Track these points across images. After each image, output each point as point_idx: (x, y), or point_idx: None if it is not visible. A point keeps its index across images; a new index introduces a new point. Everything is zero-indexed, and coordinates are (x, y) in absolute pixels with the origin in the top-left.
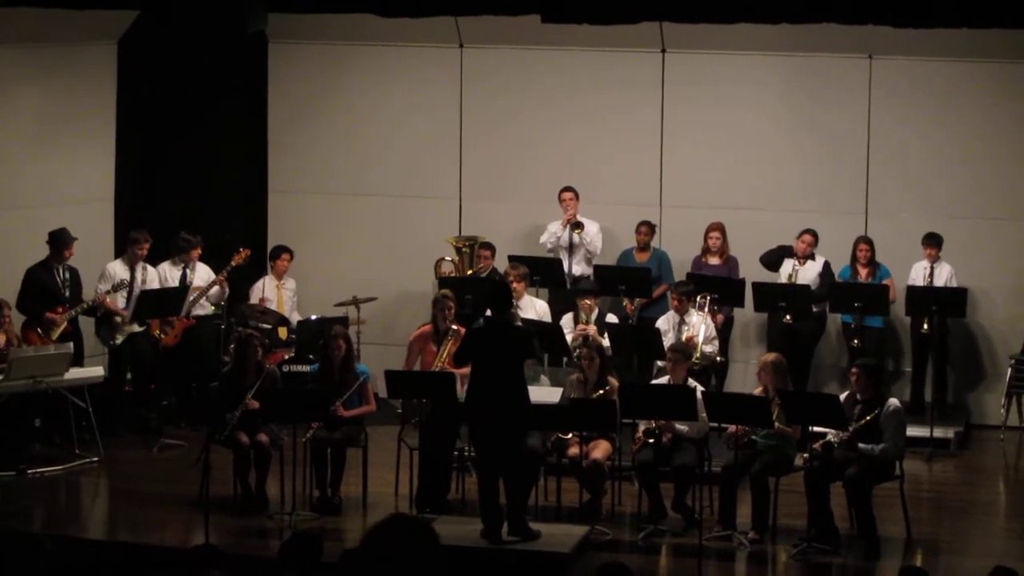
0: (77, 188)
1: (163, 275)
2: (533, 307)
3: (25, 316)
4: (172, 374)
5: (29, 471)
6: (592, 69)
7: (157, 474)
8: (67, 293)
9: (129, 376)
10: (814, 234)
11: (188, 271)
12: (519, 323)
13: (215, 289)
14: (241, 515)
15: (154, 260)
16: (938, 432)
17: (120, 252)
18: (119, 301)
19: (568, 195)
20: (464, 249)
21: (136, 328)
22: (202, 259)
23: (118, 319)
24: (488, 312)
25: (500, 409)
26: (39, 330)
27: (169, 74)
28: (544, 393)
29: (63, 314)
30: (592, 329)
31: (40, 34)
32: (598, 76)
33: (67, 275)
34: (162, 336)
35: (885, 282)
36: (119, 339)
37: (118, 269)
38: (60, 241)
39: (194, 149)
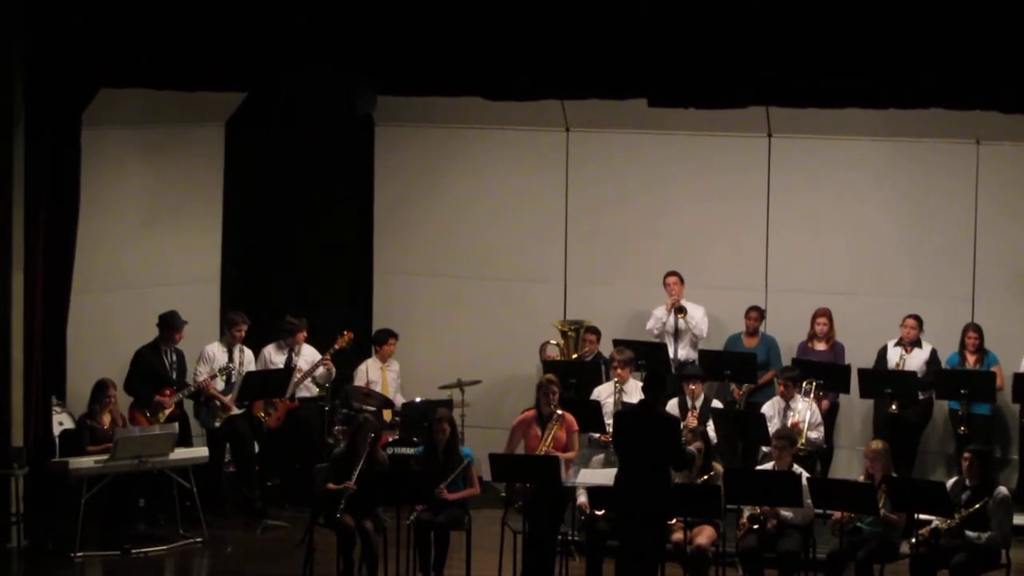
0: (184, 269)
1: (268, 358)
2: (638, 392)
3: (132, 397)
4: (276, 455)
5: (133, 551)
6: (698, 153)
7: (261, 555)
8: (174, 375)
9: (228, 458)
10: (918, 319)
11: (293, 355)
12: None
13: (321, 370)
14: None
15: (260, 342)
16: None
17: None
18: (218, 384)
19: (672, 279)
20: (569, 333)
21: (236, 410)
22: (307, 341)
23: (217, 403)
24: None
25: (643, 497)
26: (147, 412)
27: (276, 156)
28: (596, 475)
29: (171, 397)
30: (691, 416)
31: (149, 115)
32: (704, 161)
33: (174, 357)
34: (265, 418)
35: (993, 369)
36: (218, 422)
37: (216, 351)
38: (171, 324)
39: (300, 231)
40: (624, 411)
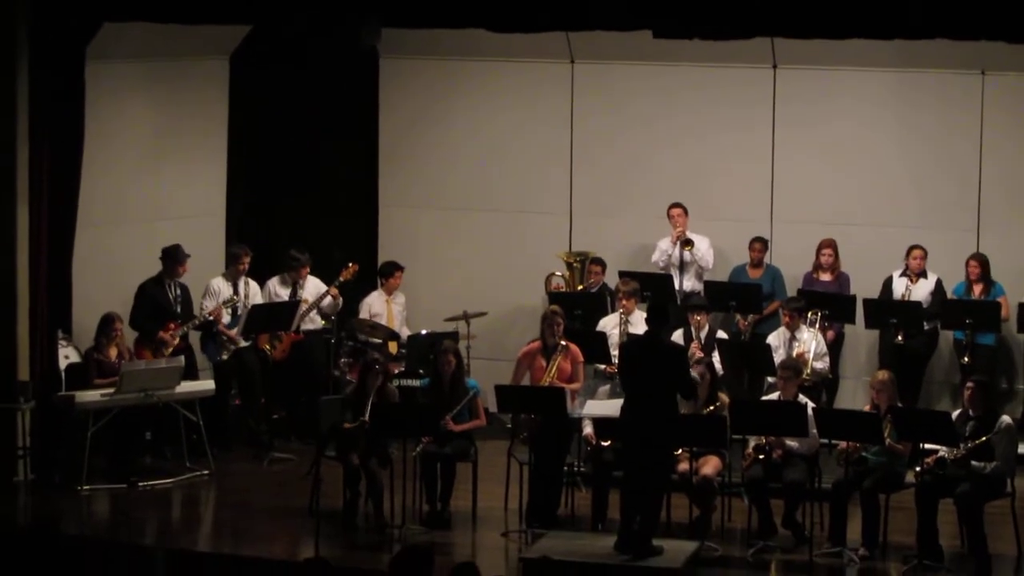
0: (188, 203)
1: (272, 292)
2: (644, 323)
3: (137, 332)
4: (282, 388)
5: (140, 484)
6: (703, 85)
7: (267, 487)
8: (178, 309)
9: (235, 391)
10: (924, 250)
11: (298, 288)
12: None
13: (328, 300)
14: (351, 529)
15: (263, 276)
16: None
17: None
18: (224, 317)
19: (677, 211)
20: (575, 264)
21: (243, 343)
22: (312, 273)
23: (223, 336)
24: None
25: (648, 427)
26: (152, 346)
27: (281, 89)
28: (602, 406)
29: (175, 331)
30: (695, 346)
31: (153, 49)
32: (709, 92)
33: (178, 291)
34: (271, 350)
35: (998, 299)
36: (225, 355)
37: (222, 285)
38: (174, 258)
39: (305, 164)
40: (630, 342)
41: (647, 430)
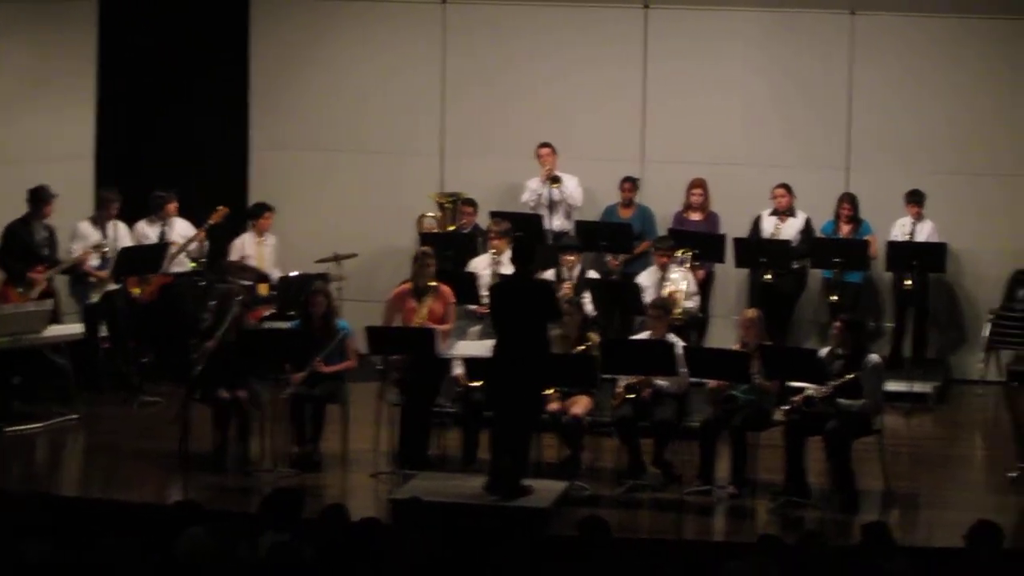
0: (57, 145)
1: (141, 233)
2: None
3: (4, 272)
4: (151, 331)
5: (8, 428)
6: (574, 25)
7: (136, 431)
8: (46, 252)
9: (105, 334)
10: (788, 188)
11: (166, 228)
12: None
13: (195, 244)
14: (221, 472)
15: (134, 218)
16: (917, 387)
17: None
18: (93, 260)
19: (545, 151)
20: (447, 205)
21: (112, 286)
22: (181, 216)
23: (93, 279)
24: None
25: (520, 366)
26: (19, 288)
27: (151, 30)
28: (473, 347)
29: (44, 273)
30: (566, 286)
31: None
32: (580, 32)
33: (46, 233)
34: (139, 293)
35: (867, 238)
36: (94, 297)
37: (90, 228)
38: (40, 198)
39: (175, 106)
40: (499, 283)
41: (517, 370)
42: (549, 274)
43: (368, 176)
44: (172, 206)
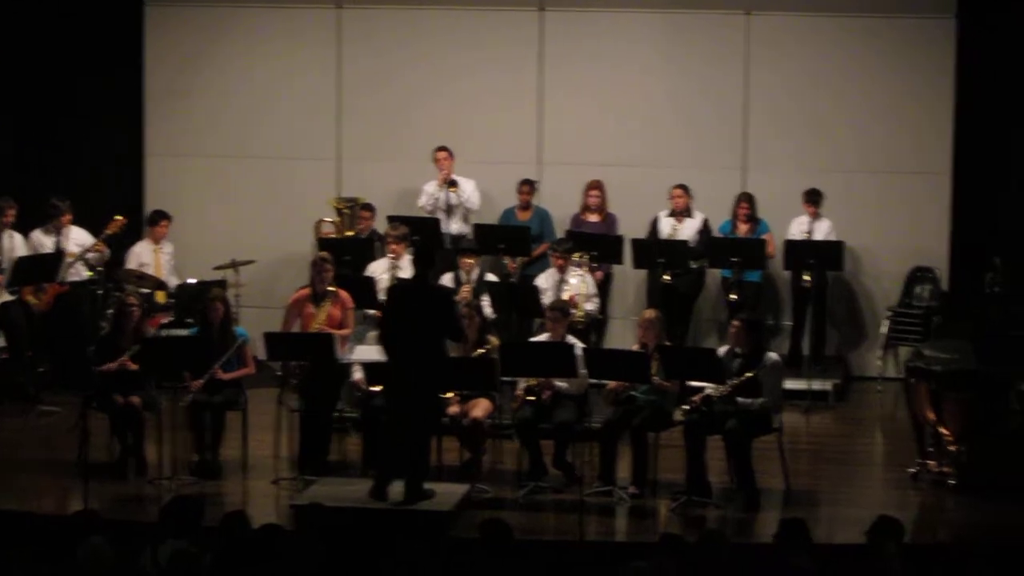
0: None
1: (36, 243)
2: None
3: None
4: (48, 340)
5: None
6: (471, 28)
7: (34, 441)
8: None
9: (2, 344)
10: (685, 188)
11: (61, 238)
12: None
13: (93, 253)
14: (120, 480)
15: (29, 228)
16: (816, 385)
17: None
18: None
19: (442, 154)
20: (344, 210)
21: (7, 296)
22: (78, 225)
23: None
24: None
25: (418, 370)
26: None
27: (44, 38)
28: (372, 352)
29: None
30: (464, 289)
31: None
32: (477, 35)
33: None
34: (35, 303)
35: (764, 237)
36: None
37: None
38: None
39: (69, 114)
40: (396, 285)
41: (414, 374)
42: (447, 278)
43: (265, 182)
44: (66, 217)
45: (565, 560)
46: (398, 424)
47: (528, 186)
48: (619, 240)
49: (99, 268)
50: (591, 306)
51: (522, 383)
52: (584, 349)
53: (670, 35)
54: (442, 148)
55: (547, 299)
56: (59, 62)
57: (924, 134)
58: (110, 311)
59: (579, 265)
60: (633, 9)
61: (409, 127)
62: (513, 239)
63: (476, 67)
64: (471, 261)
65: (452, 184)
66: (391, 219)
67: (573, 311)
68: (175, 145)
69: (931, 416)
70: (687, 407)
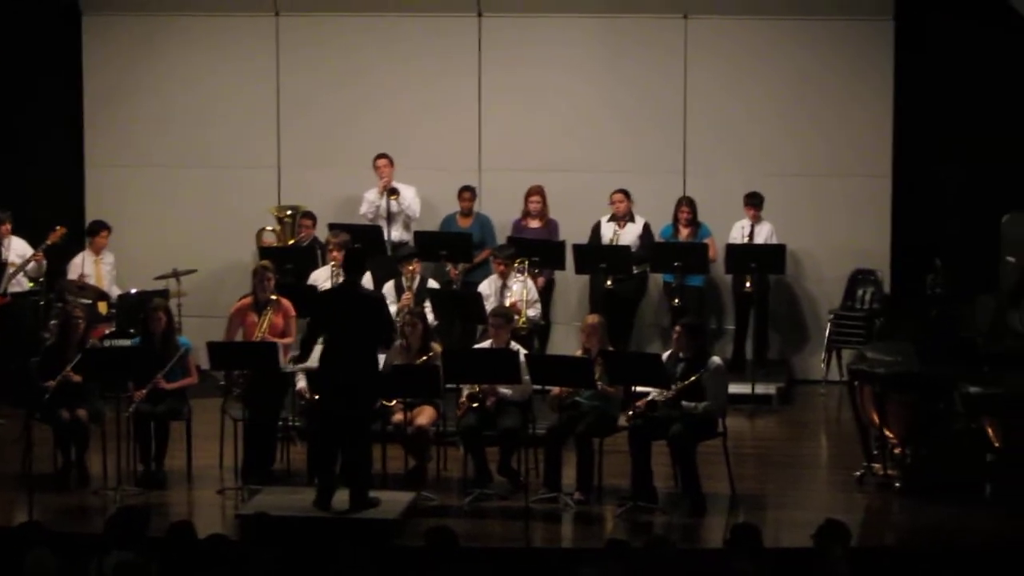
0: None
1: None
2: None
3: None
4: None
5: None
6: (409, 35)
7: None
8: None
9: None
10: (625, 193)
11: (3, 249)
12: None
13: (33, 264)
14: (65, 492)
15: None
16: (760, 388)
17: None
18: None
19: (382, 162)
20: (285, 219)
21: None
22: (17, 235)
23: None
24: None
25: (351, 376)
26: None
27: None
28: (315, 360)
29: None
30: (406, 297)
31: None
32: (415, 42)
33: None
34: None
35: (705, 241)
36: None
37: None
38: None
39: (8, 125)
40: (326, 291)
41: (347, 379)
42: (390, 285)
43: (206, 191)
44: (5, 227)
45: (511, 567)
46: (330, 430)
47: (468, 192)
48: (561, 246)
49: (40, 279)
50: (533, 312)
51: (466, 390)
52: (527, 355)
53: (608, 40)
54: (382, 155)
55: (490, 305)
56: None
57: (864, 137)
58: (53, 322)
59: (521, 271)
60: (571, 14)
61: (349, 134)
62: (455, 246)
63: (415, 74)
64: (413, 267)
65: (393, 192)
66: (332, 227)
67: (516, 317)
68: (115, 155)
69: (875, 419)
70: (631, 412)
